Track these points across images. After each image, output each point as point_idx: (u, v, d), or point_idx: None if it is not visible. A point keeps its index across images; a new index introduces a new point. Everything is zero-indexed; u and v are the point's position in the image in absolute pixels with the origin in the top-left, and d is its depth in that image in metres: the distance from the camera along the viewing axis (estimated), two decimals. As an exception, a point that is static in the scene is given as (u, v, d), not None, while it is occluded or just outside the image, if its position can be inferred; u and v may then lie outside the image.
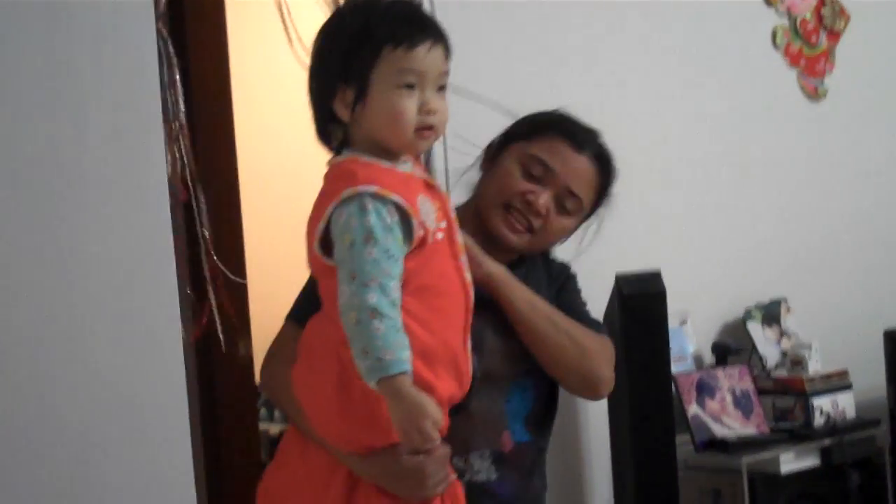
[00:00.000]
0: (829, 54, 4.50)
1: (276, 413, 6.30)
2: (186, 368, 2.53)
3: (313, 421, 2.08)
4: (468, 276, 2.10)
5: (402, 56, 1.99)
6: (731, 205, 4.17)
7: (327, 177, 2.06)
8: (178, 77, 2.61)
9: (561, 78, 3.67)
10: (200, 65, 4.31)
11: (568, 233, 2.43)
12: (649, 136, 3.93)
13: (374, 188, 1.96)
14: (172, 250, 2.42)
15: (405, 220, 1.97)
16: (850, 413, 3.89)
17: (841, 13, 4.53)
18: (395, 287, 1.93)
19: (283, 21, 3.07)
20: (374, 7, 2.06)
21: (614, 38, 3.90)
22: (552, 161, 2.36)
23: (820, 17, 4.48)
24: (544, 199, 2.34)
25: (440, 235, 2.04)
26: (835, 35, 4.52)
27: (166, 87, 2.53)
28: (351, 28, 2.06)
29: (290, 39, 3.09)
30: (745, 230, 4.20)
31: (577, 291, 2.53)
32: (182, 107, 2.62)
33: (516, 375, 2.33)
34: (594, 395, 2.44)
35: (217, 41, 4.37)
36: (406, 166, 2.06)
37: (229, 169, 4.41)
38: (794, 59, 4.41)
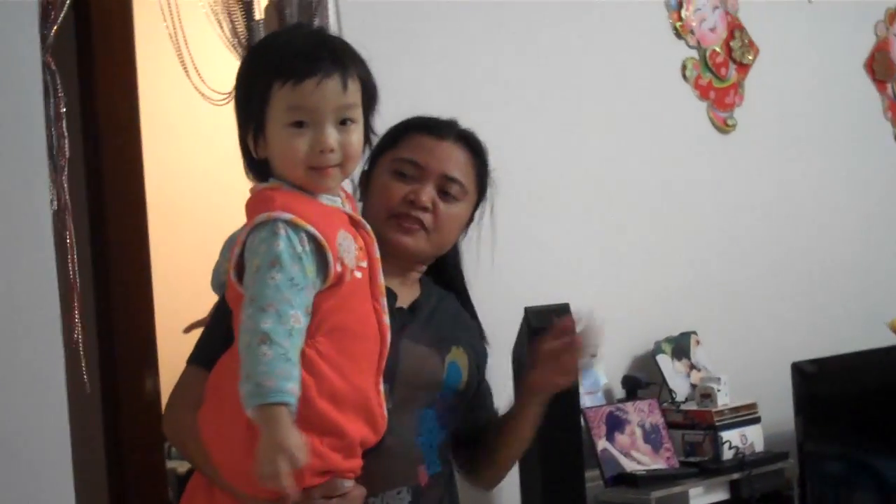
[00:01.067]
0: (738, 87, 4.53)
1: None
2: (84, 409, 2.46)
3: (221, 465, 2.02)
4: (386, 319, 2.06)
5: (288, 93, 1.95)
6: (641, 237, 4.18)
7: (248, 204, 2.02)
8: (63, 111, 2.57)
9: (469, 110, 3.64)
10: (108, 98, 4.26)
11: (462, 221, 2.42)
12: (558, 169, 3.92)
13: (288, 216, 1.91)
14: (56, 285, 2.37)
15: (320, 252, 1.92)
16: (759, 446, 3.89)
17: (750, 46, 4.57)
18: (294, 316, 1.87)
19: (179, 52, 3.04)
20: (272, 41, 2.05)
21: (522, 69, 3.89)
22: (418, 156, 2.36)
23: (729, 50, 4.51)
24: (426, 192, 2.33)
25: (359, 274, 1.99)
26: (744, 68, 4.55)
27: (52, 121, 2.49)
28: (251, 64, 2.04)
29: (186, 70, 3.06)
30: (654, 263, 4.21)
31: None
32: (66, 142, 2.57)
33: (421, 406, 2.28)
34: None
35: (125, 74, 4.32)
36: (330, 199, 2.02)
37: (137, 202, 4.36)
38: (703, 92, 4.43)
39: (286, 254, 1.88)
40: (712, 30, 4.47)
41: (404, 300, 2.34)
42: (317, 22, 3.10)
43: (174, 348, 5.75)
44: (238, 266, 1.96)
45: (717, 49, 4.47)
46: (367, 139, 2.11)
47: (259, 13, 3.05)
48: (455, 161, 2.38)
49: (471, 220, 2.48)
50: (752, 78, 4.58)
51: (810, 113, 4.76)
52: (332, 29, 3.19)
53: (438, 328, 2.36)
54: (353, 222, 2.05)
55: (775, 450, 3.94)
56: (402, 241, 2.32)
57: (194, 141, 7.06)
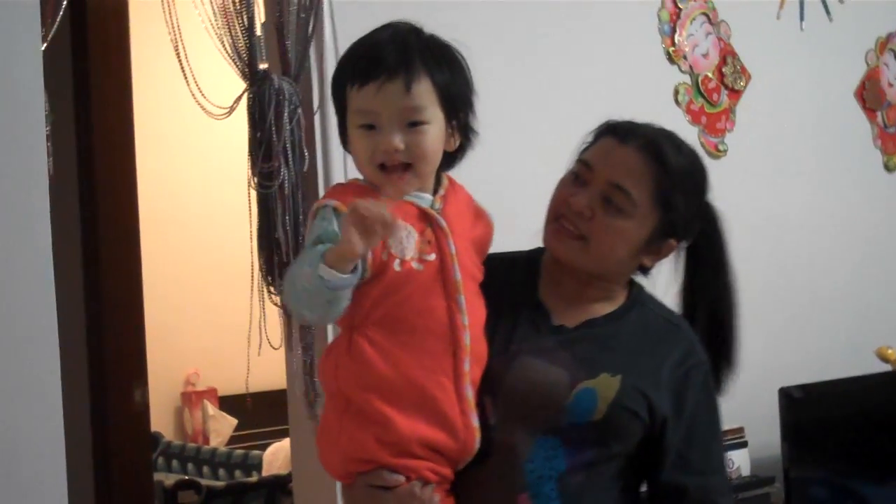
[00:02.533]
0: (729, 113, 4.55)
1: (173, 463, 6.23)
2: (72, 418, 2.47)
3: (320, 450, 2.07)
4: (462, 320, 2.00)
5: (355, 96, 1.98)
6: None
7: None
8: (48, 130, 2.57)
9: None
10: (102, 108, 4.28)
11: (629, 239, 2.15)
12: (549, 193, 3.93)
13: (333, 202, 1.94)
14: (53, 296, 2.38)
15: None
16: (746, 470, 3.91)
17: (742, 72, 4.59)
18: None
19: (180, 61, 3.05)
20: (356, 42, 2.05)
21: (514, 93, 3.91)
22: (593, 158, 2.17)
23: (721, 76, 4.53)
24: (584, 198, 2.13)
25: (418, 266, 1.98)
26: (736, 94, 4.58)
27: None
28: (336, 67, 2.07)
29: (188, 84, 3.07)
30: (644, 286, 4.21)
31: (712, 408, 2.27)
32: (51, 161, 2.58)
33: (536, 431, 2.08)
34: None
35: (120, 89, 4.34)
36: (414, 196, 2.02)
37: (130, 216, 4.38)
38: (695, 117, 4.45)
39: (325, 233, 1.91)
40: (705, 55, 4.50)
41: (568, 318, 2.18)
42: (311, 33, 3.12)
43: (163, 360, 5.78)
44: None
45: (710, 75, 4.50)
46: (467, 140, 2.10)
47: (260, 31, 3.07)
48: (627, 169, 2.13)
49: (657, 245, 2.21)
50: (743, 104, 4.60)
51: (801, 140, 4.78)
52: (327, 42, 3.21)
53: (599, 350, 2.14)
54: (425, 216, 2.02)
55: (762, 474, 3.95)
56: (551, 246, 2.18)
57: (188, 154, 7.10)
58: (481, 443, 2.05)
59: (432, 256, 2.00)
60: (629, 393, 2.10)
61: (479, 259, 2.14)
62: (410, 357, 1.96)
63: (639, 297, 2.27)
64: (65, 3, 2.62)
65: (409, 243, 1.96)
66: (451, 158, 2.10)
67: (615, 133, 2.20)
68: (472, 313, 2.03)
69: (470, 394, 2.01)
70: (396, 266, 1.96)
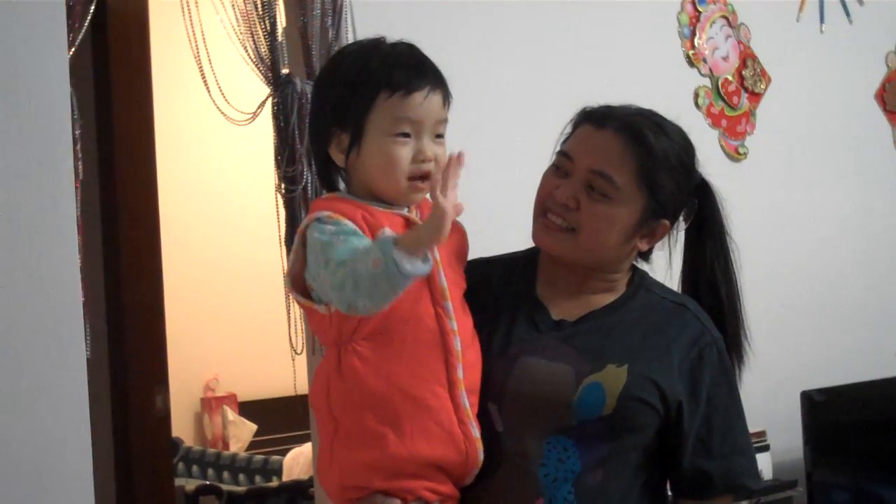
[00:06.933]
0: (749, 115, 4.55)
1: (193, 469, 6.25)
2: (94, 424, 2.47)
3: (318, 467, 2.06)
4: (451, 325, 1.98)
5: (397, 103, 1.95)
6: (651, 264, 4.17)
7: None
8: (79, 133, 2.58)
9: (479, 130, 3.65)
10: (124, 113, 4.29)
11: (618, 224, 2.10)
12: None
13: (326, 212, 1.91)
14: (80, 302, 2.39)
15: None
16: (768, 474, 3.90)
17: (762, 75, 4.59)
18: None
19: (200, 68, 3.06)
20: (373, 50, 2.02)
21: (534, 93, 3.90)
22: (572, 148, 2.13)
23: (741, 79, 4.53)
24: (567, 189, 2.08)
25: None
26: (756, 97, 4.57)
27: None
28: (349, 71, 2.01)
29: (209, 91, 3.08)
30: (665, 290, 4.21)
31: (731, 388, 2.22)
32: (80, 164, 2.59)
33: (546, 433, 2.03)
34: None
35: (142, 89, 4.35)
36: (400, 209, 2.01)
37: (151, 221, 4.39)
38: (715, 120, 4.45)
39: (340, 229, 1.88)
40: (725, 58, 4.49)
41: (569, 313, 2.14)
42: (334, 37, 3.13)
43: (183, 365, 5.80)
44: (303, 265, 1.96)
45: (730, 77, 4.49)
46: None
47: (282, 35, 3.07)
48: (606, 154, 2.09)
49: (650, 227, 2.15)
50: (763, 107, 4.59)
51: (821, 142, 4.77)
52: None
53: (603, 341, 2.09)
54: (410, 225, 2.00)
55: (784, 478, 3.94)
56: (541, 242, 2.14)
57: (209, 159, 7.13)
58: (490, 453, 2.02)
59: None
60: (638, 382, 2.05)
61: (460, 268, 2.11)
62: (401, 368, 1.93)
63: (642, 283, 2.23)
64: (92, 9, 2.63)
65: None
66: None
67: (591, 119, 2.17)
68: (459, 320, 2.01)
69: (467, 402, 1.99)
70: None
